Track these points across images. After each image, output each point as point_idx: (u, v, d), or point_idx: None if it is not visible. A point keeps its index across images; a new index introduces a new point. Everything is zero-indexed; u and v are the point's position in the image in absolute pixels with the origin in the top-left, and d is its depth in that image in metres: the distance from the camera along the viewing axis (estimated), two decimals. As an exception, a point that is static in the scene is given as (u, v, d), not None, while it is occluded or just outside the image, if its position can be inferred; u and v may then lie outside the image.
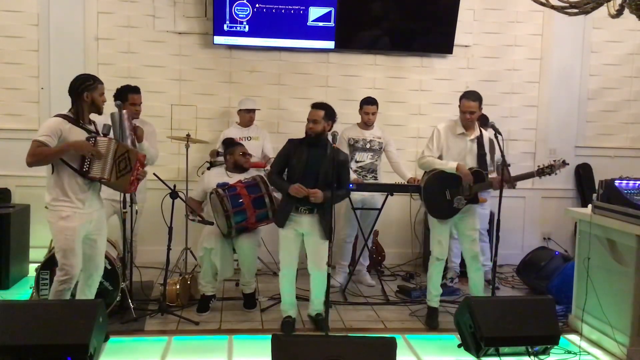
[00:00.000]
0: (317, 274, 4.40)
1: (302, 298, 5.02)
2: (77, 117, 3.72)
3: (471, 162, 4.57)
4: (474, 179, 4.47)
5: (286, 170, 4.43)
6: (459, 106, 4.58)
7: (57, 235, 3.71)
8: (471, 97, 4.54)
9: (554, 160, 4.34)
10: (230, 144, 5.27)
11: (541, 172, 4.37)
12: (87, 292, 3.93)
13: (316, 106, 4.41)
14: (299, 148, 4.38)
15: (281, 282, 4.49)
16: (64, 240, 3.68)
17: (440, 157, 4.60)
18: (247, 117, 5.91)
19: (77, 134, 3.67)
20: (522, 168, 5.63)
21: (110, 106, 4.07)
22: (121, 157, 3.75)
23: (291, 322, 4.45)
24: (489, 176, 4.60)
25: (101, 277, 4.04)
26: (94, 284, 3.97)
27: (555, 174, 4.37)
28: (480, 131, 4.63)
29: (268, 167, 5.47)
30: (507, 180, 4.34)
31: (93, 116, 3.85)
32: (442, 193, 4.57)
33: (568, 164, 4.42)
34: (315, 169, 4.31)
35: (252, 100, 6.00)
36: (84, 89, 3.70)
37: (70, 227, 3.68)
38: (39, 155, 3.57)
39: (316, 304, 4.53)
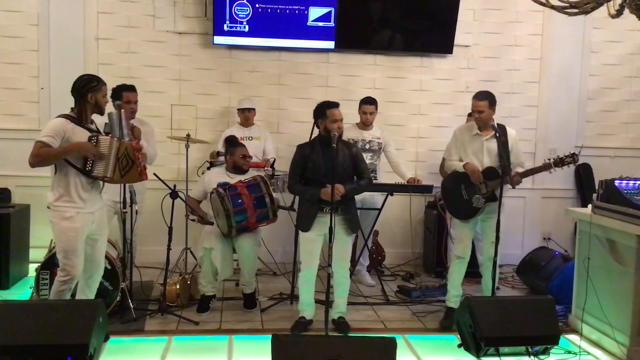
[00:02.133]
0: (342, 273, 4.39)
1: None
2: (80, 117, 3.73)
3: (488, 161, 4.53)
4: (484, 177, 4.46)
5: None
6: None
7: (60, 235, 3.70)
8: (479, 96, 4.54)
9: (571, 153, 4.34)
10: (232, 143, 5.23)
11: (560, 162, 4.33)
12: (87, 292, 3.93)
13: (336, 105, 4.35)
14: (312, 151, 4.34)
15: (300, 282, 4.45)
16: (66, 240, 3.68)
17: (460, 160, 4.62)
18: (243, 116, 5.91)
19: (80, 134, 3.67)
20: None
21: (109, 107, 4.07)
22: (123, 155, 3.76)
23: (303, 322, 4.43)
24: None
25: (101, 277, 4.04)
26: (94, 284, 3.97)
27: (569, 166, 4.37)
28: (503, 131, 4.56)
29: (268, 168, 5.47)
30: (514, 180, 4.35)
31: (93, 116, 3.86)
32: (459, 193, 4.57)
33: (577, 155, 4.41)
34: (332, 166, 4.23)
35: (249, 100, 6.00)
36: (88, 90, 3.70)
37: (73, 228, 3.68)
38: (42, 156, 3.57)
39: (341, 305, 4.47)
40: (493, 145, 4.51)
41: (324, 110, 4.33)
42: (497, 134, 4.38)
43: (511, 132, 4.62)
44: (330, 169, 4.19)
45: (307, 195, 4.36)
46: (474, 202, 4.49)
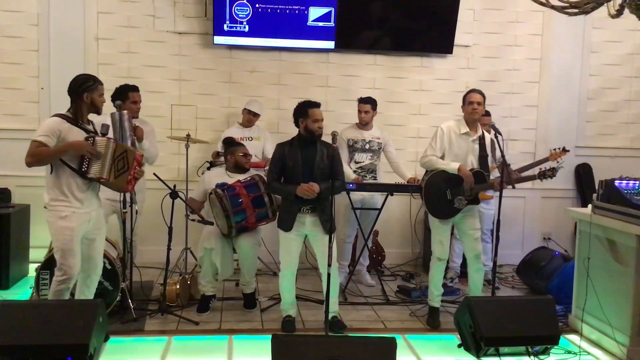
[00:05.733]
0: (329, 273, 4.39)
1: (302, 298, 5.03)
2: (75, 117, 3.72)
3: (473, 162, 4.57)
4: (474, 180, 4.48)
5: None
6: (464, 102, 4.59)
7: (56, 235, 3.70)
8: (476, 90, 4.61)
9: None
10: (230, 143, 5.25)
11: (542, 175, 4.41)
12: (86, 292, 3.93)
13: (318, 105, 4.40)
14: (291, 149, 4.37)
15: (281, 282, 4.49)
16: (62, 240, 3.68)
17: (442, 157, 4.60)
18: (248, 117, 5.90)
19: (76, 134, 3.67)
20: (522, 168, 5.63)
21: (109, 107, 4.06)
22: (119, 156, 3.74)
23: (292, 321, 4.46)
24: (491, 176, 4.61)
25: (100, 277, 4.03)
26: (92, 284, 3.96)
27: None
28: (483, 132, 4.64)
29: (267, 168, 5.46)
30: (507, 182, 4.34)
31: (92, 116, 3.85)
32: (443, 193, 4.57)
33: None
34: (310, 166, 4.32)
35: (258, 104, 5.97)
36: (83, 90, 3.70)
37: (69, 227, 3.67)
38: (38, 155, 3.57)
39: (331, 304, 4.41)
40: (477, 146, 4.56)
41: (306, 110, 4.36)
42: (497, 134, 4.37)
43: (487, 135, 4.66)
44: (307, 168, 4.28)
45: (283, 193, 4.39)
46: (455, 203, 4.51)
